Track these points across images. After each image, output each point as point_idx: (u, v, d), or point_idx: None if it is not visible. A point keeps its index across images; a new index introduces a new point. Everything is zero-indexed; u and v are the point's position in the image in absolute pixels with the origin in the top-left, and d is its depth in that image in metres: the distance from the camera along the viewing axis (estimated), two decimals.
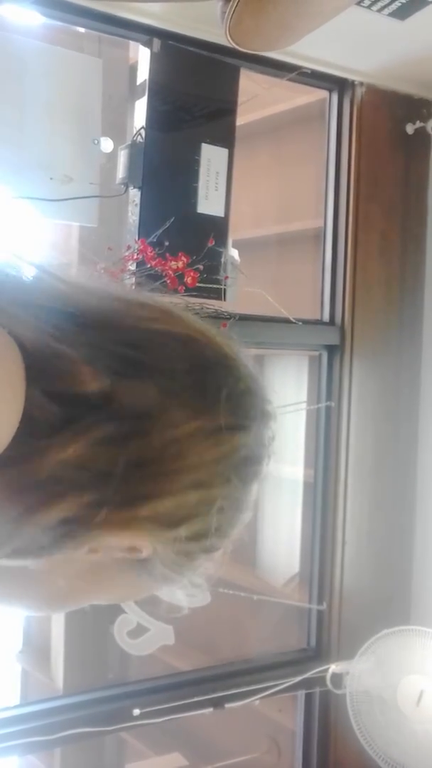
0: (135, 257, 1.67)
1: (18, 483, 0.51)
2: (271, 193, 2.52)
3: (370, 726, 1.83)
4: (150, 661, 2.09)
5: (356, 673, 1.88)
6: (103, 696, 1.86)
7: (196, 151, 1.77)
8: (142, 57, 1.72)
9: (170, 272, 1.65)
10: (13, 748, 1.71)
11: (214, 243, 1.77)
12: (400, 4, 1.62)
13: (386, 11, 1.64)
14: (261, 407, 0.59)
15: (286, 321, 1.93)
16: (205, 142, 1.78)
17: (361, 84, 2.01)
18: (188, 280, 1.66)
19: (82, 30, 1.78)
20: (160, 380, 0.54)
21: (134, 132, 1.73)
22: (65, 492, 0.52)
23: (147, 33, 1.70)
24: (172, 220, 1.71)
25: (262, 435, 0.59)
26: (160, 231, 1.70)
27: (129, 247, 1.71)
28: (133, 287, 1.33)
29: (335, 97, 2.04)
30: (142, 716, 1.80)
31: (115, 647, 2.00)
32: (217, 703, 1.90)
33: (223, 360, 0.58)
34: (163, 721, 1.85)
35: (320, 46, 1.79)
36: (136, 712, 1.80)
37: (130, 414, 0.53)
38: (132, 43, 1.83)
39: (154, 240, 1.69)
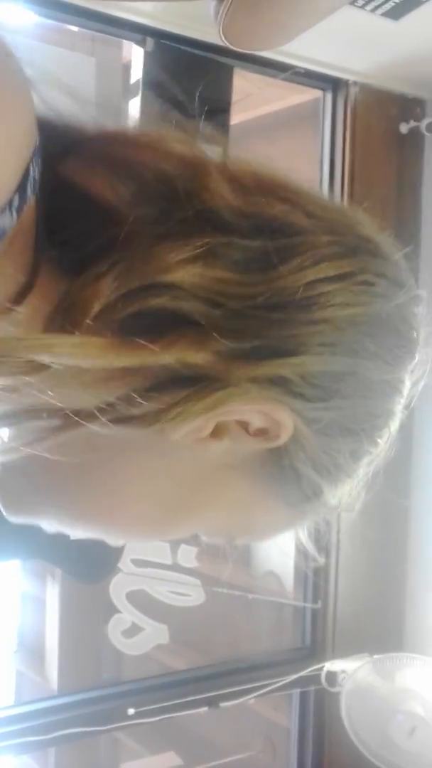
0: None
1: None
2: None
3: (363, 725, 1.83)
4: (144, 661, 2.09)
5: (351, 672, 1.88)
6: (98, 695, 1.86)
7: None
8: (136, 56, 1.72)
9: None
10: (7, 748, 1.71)
11: None
12: (393, 4, 1.62)
13: (380, 11, 1.64)
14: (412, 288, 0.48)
15: None
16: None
17: (355, 83, 2.01)
18: None
19: (75, 29, 1.77)
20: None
21: None
22: (179, 329, 0.40)
23: (140, 32, 1.70)
24: None
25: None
26: None
27: None
28: None
29: (329, 97, 2.04)
30: (136, 715, 1.80)
31: (109, 647, 2.00)
32: (212, 702, 1.90)
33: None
34: (157, 721, 1.85)
35: (314, 46, 1.78)
36: (131, 711, 1.80)
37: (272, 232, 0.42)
38: (125, 42, 1.82)
39: None
